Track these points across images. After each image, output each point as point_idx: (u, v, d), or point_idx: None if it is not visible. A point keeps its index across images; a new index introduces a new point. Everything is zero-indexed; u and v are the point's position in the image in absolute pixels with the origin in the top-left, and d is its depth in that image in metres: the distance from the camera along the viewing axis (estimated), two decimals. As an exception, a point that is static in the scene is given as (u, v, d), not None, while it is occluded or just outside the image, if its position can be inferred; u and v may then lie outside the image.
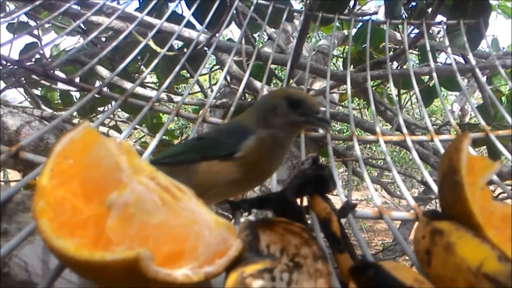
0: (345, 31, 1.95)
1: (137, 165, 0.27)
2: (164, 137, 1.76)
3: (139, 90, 1.27)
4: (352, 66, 1.45)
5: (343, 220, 0.36)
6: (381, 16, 1.93)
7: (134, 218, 0.24)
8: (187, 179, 0.35)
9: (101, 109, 1.66)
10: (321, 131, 0.61)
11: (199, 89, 1.81)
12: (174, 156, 0.39)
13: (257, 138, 0.38)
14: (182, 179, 0.32)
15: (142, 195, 0.25)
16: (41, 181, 0.25)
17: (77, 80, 0.60)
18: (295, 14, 1.10)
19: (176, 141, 1.96)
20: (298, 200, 0.37)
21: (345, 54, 1.99)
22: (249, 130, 0.39)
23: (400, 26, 1.35)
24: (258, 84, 1.27)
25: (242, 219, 0.37)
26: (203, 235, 0.25)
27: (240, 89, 0.67)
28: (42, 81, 1.57)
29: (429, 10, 1.27)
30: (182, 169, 0.37)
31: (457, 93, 2.00)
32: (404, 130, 0.59)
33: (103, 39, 1.58)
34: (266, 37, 1.76)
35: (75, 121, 1.48)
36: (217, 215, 0.26)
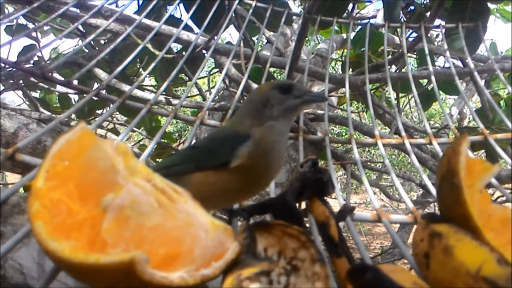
0: (344, 35, 1.95)
1: (133, 167, 0.27)
2: (162, 140, 1.76)
3: (137, 92, 1.27)
4: (350, 70, 1.45)
5: (342, 223, 0.36)
6: (379, 19, 1.93)
7: (130, 220, 0.24)
8: None
9: (99, 111, 1.65)
10: (319, 133, 0.61)
11: (198, 92, 1.81)
12: (167, 167, 0.38)
13: (253, 140, 0.37)
14: None
15: (138, 197, 0.25)
16: (37, 182, 0.25)
17: (75, 82, 0.60)
18: (294, 17, 1.10)
19: (174, 144, 1.96)
20: (297, 204, 0.36)
21: (343, 57, 1.99)
22: (243, 135, 0.37)
23: (398, 29, 1.36)
24: (256, 87, 1.27)
25: (239, 223, 0.37)
26: (199, 237, 0.24)
27: (239, 92, 0.67)
28: (41, 84, 1.56)
29: (428, 13, 1.28)
30: (175, 180, 0.36)
31: (456, 97, 2.00)
32: (403, 133, 0.59)
33: (102, 41, 1.58)
34: (265, 40, 1.76)
35: (73, 123, 1.47)
36: (214, 218, 0.26)
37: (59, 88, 1.62)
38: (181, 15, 1.37)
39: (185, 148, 0.43)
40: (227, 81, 1.40)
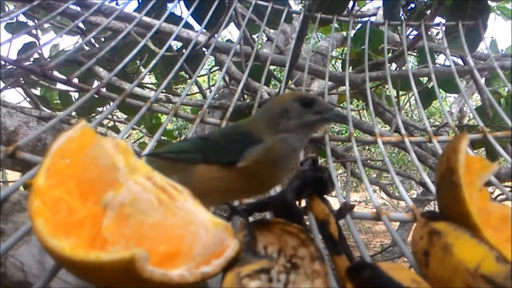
0: (344, 33, 1.95)
1: (133, 165, 0.27)
2: (162, 137, 1.76)
3: (138, 90, 1.27)
4: (350, 68, 1.45)
5: (342, 221, 0.36)
6: (380, 17, 1.93)
7: (130, 218, 0.24)
8: (184, 180, 0.35)
9: (100, 109, 1.65)
10: (319, 131, 0.61)
11: (198, 90, 1.81)
12: (176, 152, 0.38)
13: (264, 147, 0.36)
14: (179, 178, 0.32)
15: (138, 195, 0.25)
16: (37, 180, 0.25)
17: (76, 80, 0.60)
18: (294, 15, 1.10)
19: (174, 142, 1.96)
20: (297, 202, 0.36)
21: (343, 55, 1.99)
22: (255, 139, 0.37)
23: (398, 27, 1.35)
24: (256, 85, 1.27)
25: (239, 221, 0.37)
26: (199, 235, 0.24)
27: (239, 90, 0.67)
28: (41, 81, 1.56)
29: (428, 11, 1.28)
30: (181, 168, 0.36)
31: (456, 95, 2.00)
32: (403, 131, 0.59)
33: (102, 39, 1.58)
34: (265, 38, 1.76)
35: (74, 121, 1.47)
36: (214, 216, 0.26)
37: (59, 85, 1.62)
38: (181, 12, 1.37)
39: (196, 137, 0.43)
40: (227, 79, 1.40)
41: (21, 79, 1.50)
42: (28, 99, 1.66)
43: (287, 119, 0.38)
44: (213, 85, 1.92)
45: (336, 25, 1.20)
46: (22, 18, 1.55)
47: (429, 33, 1.70)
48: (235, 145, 0.37)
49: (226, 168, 0.36)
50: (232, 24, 1.19)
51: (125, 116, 1.95)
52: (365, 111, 2.62)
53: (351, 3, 1.53)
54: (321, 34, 2.21)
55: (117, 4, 1.21)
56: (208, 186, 0.35)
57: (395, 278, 0.22)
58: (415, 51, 1.67)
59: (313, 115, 0.38)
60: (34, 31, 1.50)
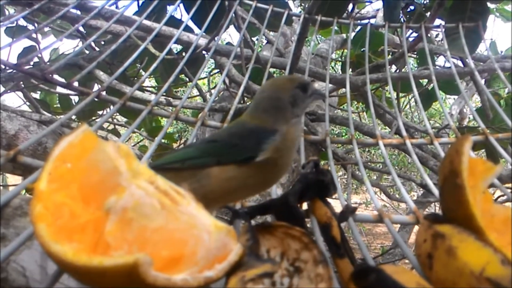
0: (344, 35, 1.95)
1: (135, 169, 0.27)
2: (163, 140, 1.76)
3: (138, 94, 1.27)
4: (351, 70, 1.45)
5: (343, 223, 0.36)
6: (379, 19, 1.93)
7: (133, 223, 0.24)
8: (197, 185, 0.34)
9: (100, 113, 1.65)
10: (320, 134, 0.61)
11: (198, 93, 1.81)
12: (183, 160, 0.37)
13: (281, 135, 0.38)
14: (191, 185, 0.32)
15: (140, 199, 0.25)
16: (39, 185, 0.25)
17: (76, 84, 0.60)
18: (294, 17, 1.10)
19: (175, 145, 1.96)
20: (299, 205, 0.36)
21: (344, 57, 1.99)
22: (268, 130, 0.38)
23: (398, 29, 1.36)
24: (257, 87, 1.27)
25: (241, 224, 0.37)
26: (202, 239, 0.24)
27: (239, 93, 0.67)
28: (41, 85, 1.56)
29: (428, 13, 1.28)
30: (189, 175, 0.36)
31: (456, 96, 2.00)
32: (404, 133, 0.59)
33: (102, 43, 1.58)
34: (265, 41, 1.76)
35: (74, 125, 1.47)
36: (216, 219, 0.26)
37: (60, 89, 1.62)
38: (181, 15, 1.37)
39: (200, 142, 0.43)
40: (227, 82, 1.40)
41: (21, 83, 1.50)
42: (28, 103, 1.66)
43: (295, 106, 0.40)
44: (214, 88, 1.92)
45: (336, 28, 1.20)
46: (22, 22, 1.55)
47: (429, 35, 1.70)
48: (250, 141, 0.37)
49: (243, 165, 0.36)
50: (232, 27, 1.19)
51: (125, 119, 1.95)
52: (365, 113, 2.62)
53: (351, 6, 1.53)
54: (321, 36, 2.21)
55: (117, 7, 1.21)
56: (226, 186, 0.36)
57: (400, 281, 0.22)
58: (415, 53, 1.67)
59: (309, 98, 0.42)
60: (34, 35, 1.51)
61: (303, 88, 0.41)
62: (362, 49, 1.42)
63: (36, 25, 1.48)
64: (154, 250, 0.23)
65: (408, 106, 2.42)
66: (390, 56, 1.55)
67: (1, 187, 1.79)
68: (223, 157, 0.36)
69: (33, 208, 0.24)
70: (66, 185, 0.25)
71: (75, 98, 1.69)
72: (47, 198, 0.24)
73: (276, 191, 0.47)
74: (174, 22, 1.21)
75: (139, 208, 0.24)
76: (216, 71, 2.02)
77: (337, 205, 0.41)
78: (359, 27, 1.42)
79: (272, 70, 1.73)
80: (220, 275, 0.24)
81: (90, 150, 0.27)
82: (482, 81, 1.63)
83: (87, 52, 1.46)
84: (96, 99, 0.56)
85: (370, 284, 0.23)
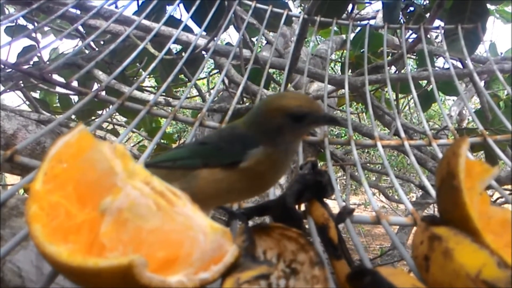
0: (343, 36, 1.95)
1: (131, 169, 0.27)
2: (162, 140, 1.76)
3: (137, 93, 1.27)
4: (350, 71, 1.45)
5: (341, 224, 0.36)
6: (379, 20, 1.93)
7: (128, 223, 0.24)
8: (187, 186, 0.34)
9: (99, 112, 1.65)
10: (318, 134, 0.61)
11: (197, 93, 1.81)
12: (174, 160, 0.38)
13: (264, 153, 0.36)
14: (181, 185, 0.32)
15: (136, 200, 0.25)
16: (35, 185, 0.24)
17: (75, 83, 0.59)
18: (293, 18, 1.10)
19: (174, 145, 1.96)
20: (296, 206, 0.36)
21: (343, 58, 1.99)
22: (254, 141, 0.37)
23: (398, 30, 1.35)
24: (256, 88, 1.27)
25: (238, 225, 0.37)
26: (198, 240, 0.24)
27: (238, 93, 0.67)
28: (40, 85, 1.56)
29: (427, 15, 1.28)
30: (180, 175, 0.36)
31: (455, 98, 2.00)
32: (402, 134, 0.59)
33: (102, 42, 1.58)
34: (265, 41, 1.76)
35: (73, 124, 1.47)
36: (212, 220, 0.26)
37: (59, 89, 1.62)
38: (181, 15, 1.37)
39: (192, 143, 0.43)
40: (226, 82, 1.40)
41: (20, 82, 1.50)
42: (27, 102, 1.66)
43: (281, 134, 0.37)
44: (213, 88, 1.92)
45: (335, 28, 1.20)
46: (21, 21, 1.55)
47: (428, 36, 1.70)
48: (235, 146, 0.37)
49: (229, 169, 0.36)
50: (231, 27, 1.19)
51: (124, 119, 1.95)
52: (364, 114, 2.62)
53: (350, 6, 1.53)
54: (320, 37, 2.21)
55: (116, 7, 1.21)
56: (213, 189, 0.36)
57: (395, 283, 0.22)
58: (415, 54, 1.67)
59: (305, 126, 0.38)
60: (33, 34, 1.50)
61: (295, 118, 0.36)
62: (361, 50, 1.42)
63: (35, 24, 1.48)
64: (150, 251, 0.23)
65: (407, 107, 2.43)
66: (389, 57, 1.55)
67: (0, 187, 1.79)
68: (211, 160, 0.36)
69: (29, 208, 0.23)
70: (61, 185, 0.25)
71: (75, 98, 1.69)
72: (43, 199, 0.24)
73: (274, 192, 0.47)
74: (174, 22, 1.21)
75: (135, 209, 0.24)
76: (215, 71, 2.02)
77: (335, 205, 0.41)
78: (358, 28, 1.42)
79: (271, 70, 1.73)
80: (215, 276, 0.24)
81: (86, 150, 0.27)
82: (482, 83, 1.63)
83: (86, 51, 1.46)
84: (95, 99, 0.55)
85: (365, 286, 0.23)
